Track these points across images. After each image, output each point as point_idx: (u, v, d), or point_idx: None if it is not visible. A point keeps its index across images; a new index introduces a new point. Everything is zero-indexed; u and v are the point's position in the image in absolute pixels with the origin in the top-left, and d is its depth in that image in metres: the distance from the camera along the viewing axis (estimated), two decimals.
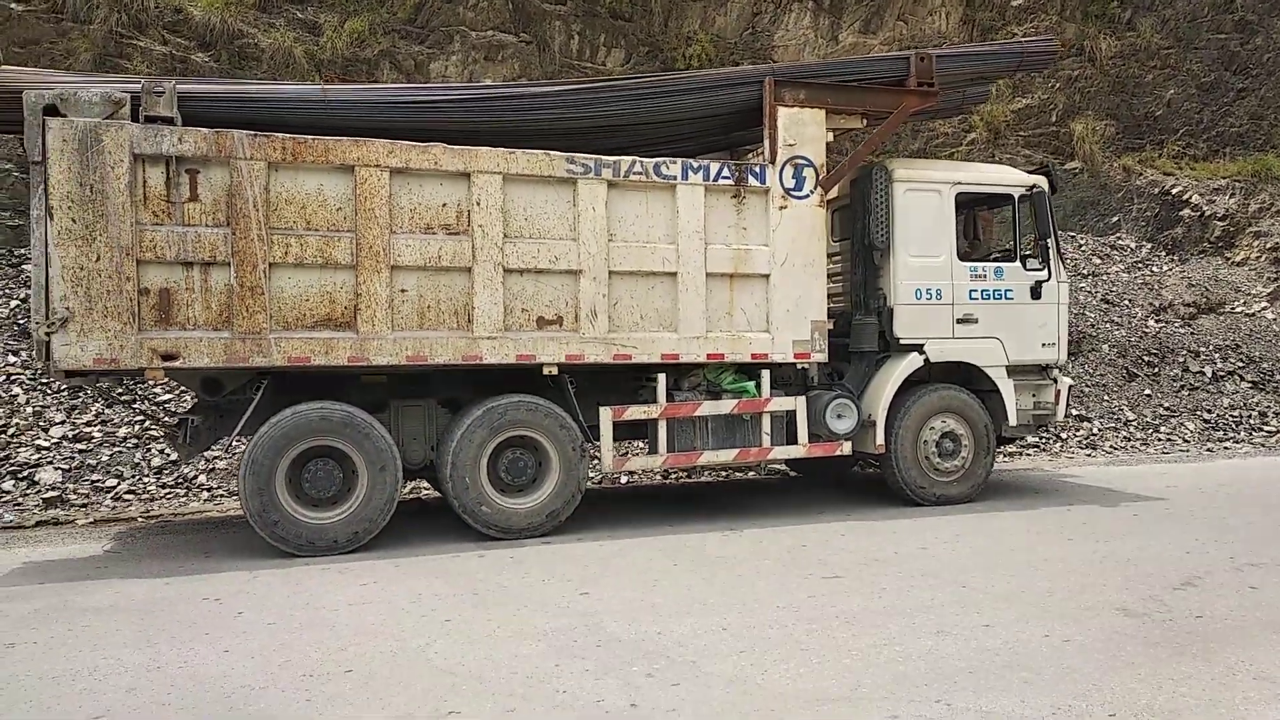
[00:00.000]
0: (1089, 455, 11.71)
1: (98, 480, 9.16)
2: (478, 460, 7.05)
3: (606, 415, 7.45)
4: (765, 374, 7.83)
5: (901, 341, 8.23)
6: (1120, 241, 17.77)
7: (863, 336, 8.29)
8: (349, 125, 6.89)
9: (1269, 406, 13.46)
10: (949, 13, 19.71)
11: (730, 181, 7.63)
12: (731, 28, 18.54)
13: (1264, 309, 15.95)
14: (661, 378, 7.59)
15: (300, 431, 6.65)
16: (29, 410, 9.81)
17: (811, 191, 7.85)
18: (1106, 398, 13.11)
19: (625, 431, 7.98)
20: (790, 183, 7.79)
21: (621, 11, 17.70)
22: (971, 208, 9.10)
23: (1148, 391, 13.39)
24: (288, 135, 6.59)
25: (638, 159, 7.39)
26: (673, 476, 10.33)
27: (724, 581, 5.87)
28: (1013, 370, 8.54)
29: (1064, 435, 12.22)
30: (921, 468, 8.25)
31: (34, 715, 3.90)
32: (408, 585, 5.87)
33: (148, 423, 9.44)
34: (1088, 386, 13.20)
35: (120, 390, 10.00)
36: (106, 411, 10.05)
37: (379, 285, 6.76)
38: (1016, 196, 8.56)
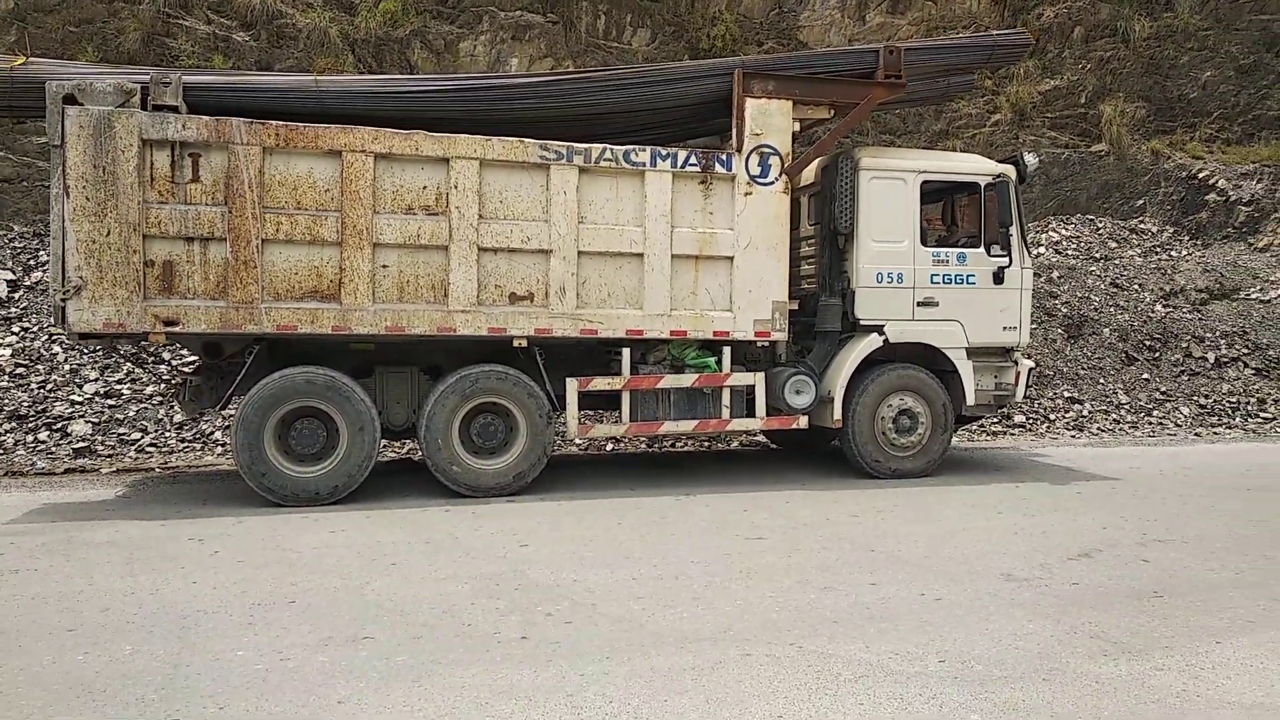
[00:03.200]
0: (1074, 436, 11.97)
1: (124, 433, 10.03)
2: (450, 424, 7.68)
3: (572, 385, 8.02)
4: (727, 350, 8.32)
5: (862, 322, 8.64)
6: (1141, 225, 17.74)
7: (827, 317, 8.71)
8: (339, 113, 7.51)
9: (1269, 393, 13.50)
10: None
11: (697, 168, 8.09)
12: (758, 8, 18.78)
13: None
14: (626, 352, 8.13)
15: (286, 393, 7.34)
16: (66, 368, 10.71)
17: (776, 179, 8.27)
18: (1102, 381, 13.28)
19: (597, 402, 8.56)
20: (756, 170, 8.21)
21: None
22: (946, 195, 9.42)
23: (1145, 376, 13.53)
24: (281, 122, 7.23)
25: (608, 146, 7.88)
26: (659, 445, 10.88)
27: (654, 539, 6.42)
28: (974, 352, 8.88)
29: (1052, 416, 12.48)
30: (878, 442, 8.68)
31: (20, 626, 4.61)
32: (371, 534, 6.54)
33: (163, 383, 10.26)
34: (1083, 369, 13.39)
35: (147, 353, 10.85)
36: (136, 370, 10.90)
37: (362, 261, 7.40)
38: (983, 185, 8.84)
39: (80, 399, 10.40)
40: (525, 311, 7.79)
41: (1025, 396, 10.52)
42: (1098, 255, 16.17)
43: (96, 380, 10.76)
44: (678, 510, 7.39)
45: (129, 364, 11.01)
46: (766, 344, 8.55)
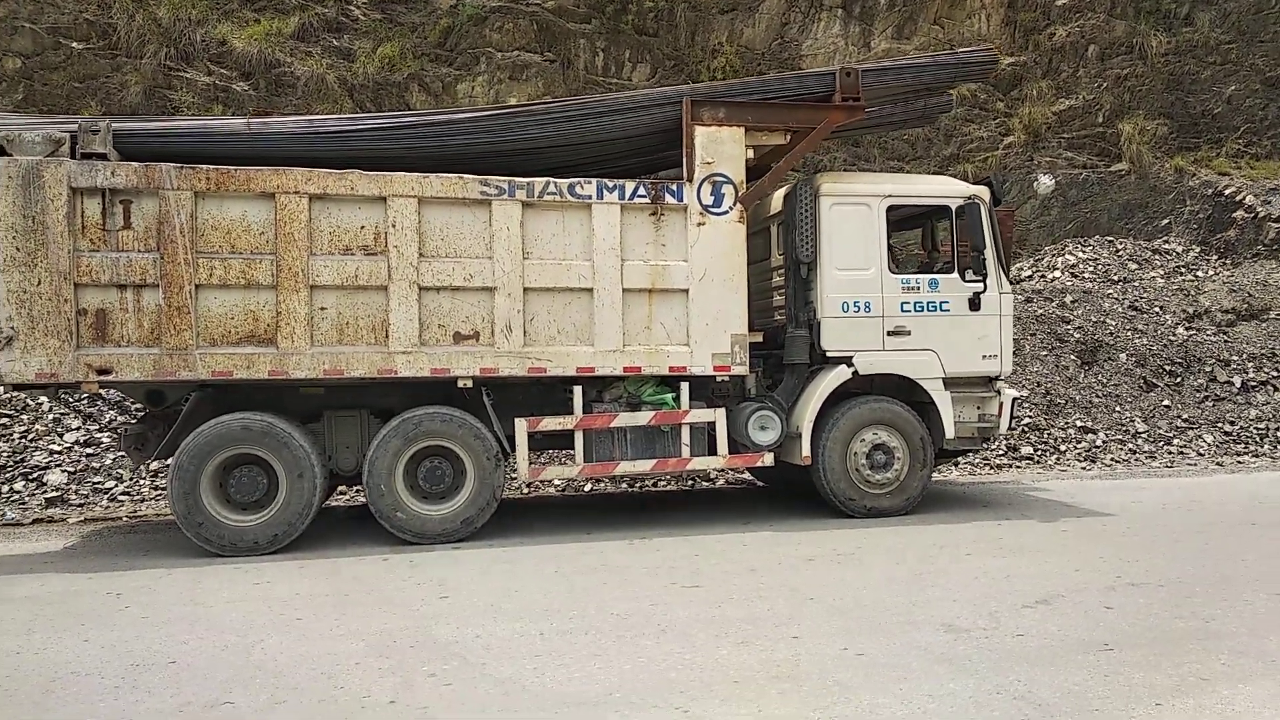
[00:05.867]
0: (1084, 468, 11.35)
1: (99, 482, 9.97)
2: (393, 468, 7.44)
3: (521, 426, 7.74)
4: (685, 386, 7.98)
5: (830, 354, 8.25)
6: (1165, 246, 17.04)
7: (794, 349, 8.34)
8: (274, 155, 7.39)
9: None
10: (989, 14, 19.28)
11: (647, 200, 7.83)
12: (759, 39, 18.59)
13: None
14: (578, 390, 7.84)
15: (223, 440, 7.17)
16: (50, 417, 10.73)
17: (731, 208, 7.96)
18: (1118, 409, 12.63)
19: (553, 442, 8.29)
20: (709, 200, 7.92)
21: (646, 28, 17.99)
22: (919, 220, 9.04)
23: (1166, 403, 12.83)
24: (212, 166, 7.15)
25: (552, 180, 7.66)
26: (639, 485, 10.53)
27: (585, 588, 6.08)
28: (952, 382, 8.42)
29: (1063, 447, 11.86)
30: (851, 479, 8.23)
31: None
32: (294, 585, 6.29)
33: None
34: (1097, 397, 12.75)
35: (129, 401, 10.82)
36: (120, 418, 10.89)
37: (298, 304, 7.24)
38: (954, 208, 8.44)
39: (60, 448, 10.39)
40: (470, 351, 7.56)
41: (1016, 427, 9.94)
42: (1116, 278, 15.53)
43: (79, 429, 10.76)
44: (625, 555, 7.04)
45: (113, 411, 11.03)
46: (728, 378, 8.19)
